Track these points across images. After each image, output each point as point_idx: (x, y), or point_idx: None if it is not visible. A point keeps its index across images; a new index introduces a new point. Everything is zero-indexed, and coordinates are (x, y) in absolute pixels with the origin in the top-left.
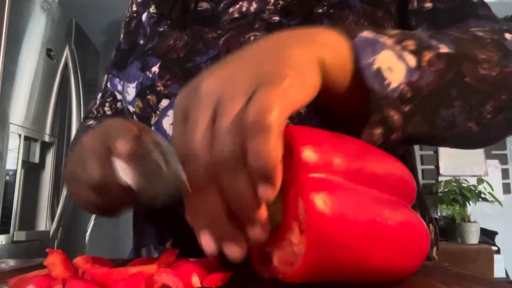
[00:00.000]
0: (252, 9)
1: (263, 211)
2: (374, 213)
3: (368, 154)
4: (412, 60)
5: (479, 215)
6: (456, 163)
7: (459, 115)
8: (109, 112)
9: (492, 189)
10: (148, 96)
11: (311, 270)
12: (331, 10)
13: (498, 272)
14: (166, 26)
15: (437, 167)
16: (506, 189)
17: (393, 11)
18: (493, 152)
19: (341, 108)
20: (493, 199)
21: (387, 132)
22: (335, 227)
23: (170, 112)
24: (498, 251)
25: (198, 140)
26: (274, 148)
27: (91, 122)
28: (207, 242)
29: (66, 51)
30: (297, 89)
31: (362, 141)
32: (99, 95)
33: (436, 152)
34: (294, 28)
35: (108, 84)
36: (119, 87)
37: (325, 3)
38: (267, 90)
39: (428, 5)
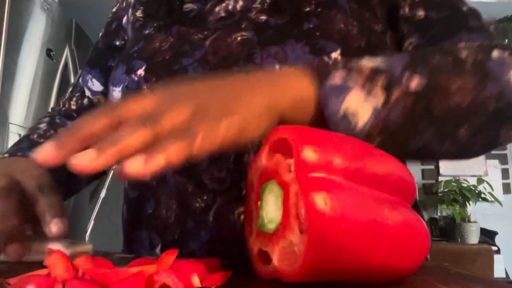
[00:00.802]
0: (238, 7)
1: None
2: (374, 213)
3: (368, 154)
4: (380, 98)
5: (479, 215)
6: (456, 163)
7: (432, 141)
8: (74, 107)
9: (492, 189)
10: None
11: (311, 270)
12: (319, 9)
13: (498, 272)
14: (152, 29)
15: (437, 167)
16: (506, 189)
17: (380, 14)
18: (493, 152)
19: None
20: (493, 199)
21: None
22: (335, 226)
23: None
24: (498, 251)
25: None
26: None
27: (43, 125)
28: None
29: (66, 51)
30: (232, 130)
31: (362, 141)
32: (70, 89)
33: None
34: (278, 27)
35: (80, 79)
36: (90, 84)
37: (313, 2)
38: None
39: (421, 13)
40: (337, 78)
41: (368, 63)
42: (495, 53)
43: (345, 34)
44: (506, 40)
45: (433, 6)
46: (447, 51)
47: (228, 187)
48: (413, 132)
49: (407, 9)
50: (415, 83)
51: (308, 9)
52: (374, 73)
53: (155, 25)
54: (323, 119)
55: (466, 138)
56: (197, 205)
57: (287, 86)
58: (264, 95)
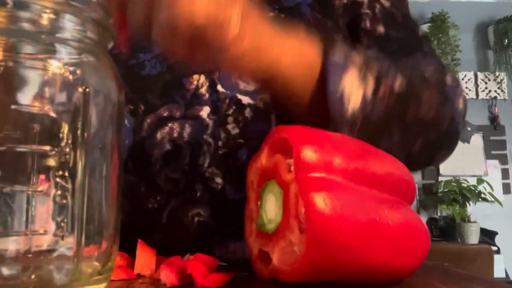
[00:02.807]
0: None
1: None
2: (374, 213)
3: (368, 154)
4: (371, 86)
5: (479, 215)
6: (456, 163)
7: (394, 146)
8: None
9: (492, 189)
10: None
11: (311, 270)
12: (282, 15)
13: (498, 272)
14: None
15: (437, 167)
16: (506, 189)
17: (341, 24)
18: (493, 152)
19: (297, 113)
20: (493, 199)
21: None
22: (335, 226)
23: None
24: (498, 251)
25: None
26: None
27: None
28: None
29: None
30: None
31: (362, 141)
32: None
33: None
34: None
35: None
36: None
37: (276, 6)
38: None
39: (381, 30)
40: (338, 55)
41: (362, 48)
42: (449, 78)
43: None
44: (506, 40)
45: (393, 25)
46: (414, 65)
47: (182, 189)
48: (386, 132)
49: (368, 23)
50: (398, 83)
51: (271, 14)
52: (369, 59)
53: None
54: (319, 92)
55: (417, 150)
56: (150, 205)
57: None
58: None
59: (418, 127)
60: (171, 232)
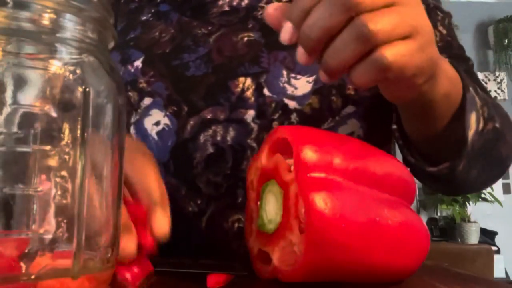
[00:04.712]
0: (243, 4)
1: None
2: (374, 213)
3: (368, 154)
4: (481, 124)
5: (479, 215)
6: None
7: (475, 175)
8: None
9: (492, 189)
10: (129, 93)
11: (311, 270)
12: None
13: (498, 272)
14: (149, 15)
15: None
16: (506, 189)
17: None
18: None
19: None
20: (493, 199)
21: (450, 173)
22: (335, 226)
23: (153, 112)
24: (498, 251)
25: None
26: None
27: None
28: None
29: None
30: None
31: (362, 141)
32: None
33: None
34: None
35: None
36: None
37: None
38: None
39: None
40: (472, 91)
41: (475, 87)
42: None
43: None
44: (506, 40)
45: (451, 55)
46: (484, 97)
47: (223, 193)
48: (476, 163)
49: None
50: (497, 123)
51: None
52: (483, 104)
53: (152, 11)
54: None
55: (475, 176)
56: (190, 209)
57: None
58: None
59: (495, 163)
60: (210, 238)
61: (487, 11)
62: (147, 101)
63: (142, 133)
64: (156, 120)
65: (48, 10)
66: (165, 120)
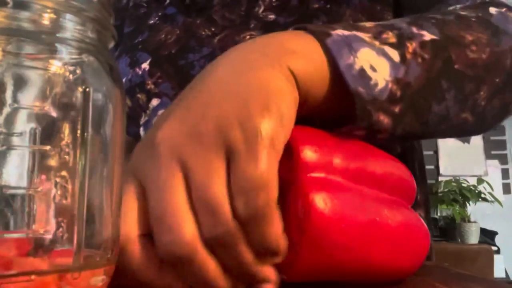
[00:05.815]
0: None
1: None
2: (374, 213)
3: (368, 154)
4: (395, 54)
5: (479, 215)
6: (456, 163)
7: (452, 107)
8: None
9: (492, 189)
10: (138, 95)
11: (311, 270)
12: (328, 5)
13: (498, 272)
14: (157, 19)
15: (437, 167)
16: (506, 189)
17: (392, 1)
18: (493, 152)
19: (318, 116)
20: (493, 199)
21: (371, 134)
22: (335, 227)
23: (161, 112)
24: (498, 251)
25: (175, 211)
26: (278, 228)
27: None
28: None
29: None
30: (279, 131)
31: (362, 141)
32: None
33: (436, 152)
34: (287, 25)
35: None
36: None
37: None
38: (248, 158)
39: None
40: (340, 31)
41: (368, 24)
42: (492, 10)
43: None
44: None
45: None
46: (443, 12)
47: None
48: (436, 92)
49: None
50: (427, 36)
51: (316, 5)
52: (380, 31)
53: (159, 14)
54: (341, 84)
55: (484, 102)
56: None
57: (295, 48)
58: (280, 66)
59: (474, 72)
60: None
61: None
62: (155, 102)
63: None
64: None
65: (48, 10)
66: None
